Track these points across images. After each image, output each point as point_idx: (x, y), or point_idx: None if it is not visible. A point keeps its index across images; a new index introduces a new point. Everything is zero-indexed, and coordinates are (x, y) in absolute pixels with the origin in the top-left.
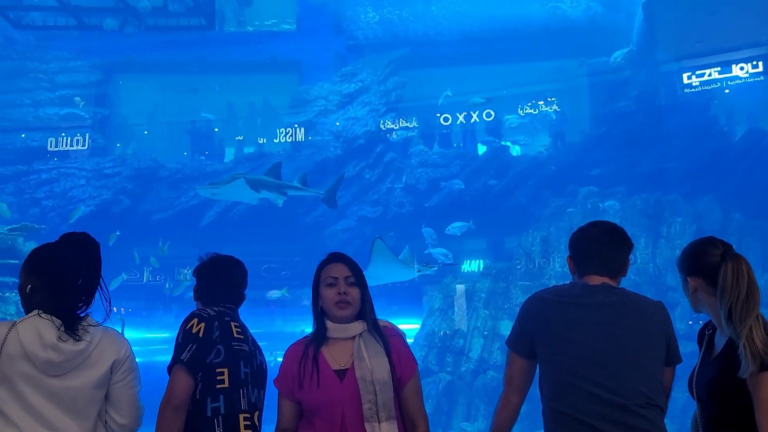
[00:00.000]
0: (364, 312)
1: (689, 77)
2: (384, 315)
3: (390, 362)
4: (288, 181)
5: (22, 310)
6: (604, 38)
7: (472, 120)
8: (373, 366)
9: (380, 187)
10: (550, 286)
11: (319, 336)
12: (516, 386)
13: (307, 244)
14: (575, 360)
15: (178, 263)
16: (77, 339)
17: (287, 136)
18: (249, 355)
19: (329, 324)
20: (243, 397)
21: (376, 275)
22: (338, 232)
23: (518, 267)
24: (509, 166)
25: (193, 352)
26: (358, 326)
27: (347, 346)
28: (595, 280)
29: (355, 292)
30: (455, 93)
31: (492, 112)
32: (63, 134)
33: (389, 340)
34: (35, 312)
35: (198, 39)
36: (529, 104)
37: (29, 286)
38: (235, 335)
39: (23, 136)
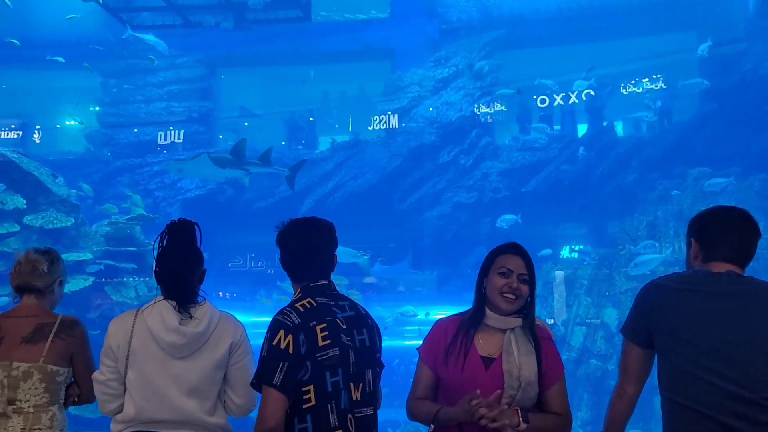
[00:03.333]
0: (526, 309)
1: None
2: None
3: (538, 364)
4: (251, 158)
5: (140, 294)
6: (715, 7)
7: (571, 101)
8: (522, 363)
9: (475, 172)
10: (670, 273)
11: (475, 320)
12: (632, 376)
13: (402, 231)
14: (697, 350)
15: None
16: (192, 317)
17: (381, 123)
18: (340, 356)
19: (488, 311)
20: (332, 412)
21: None
22: (433, 218)
23: (622, 253)
24: (611, 147)
25: (286, 371)
26: (514, 321)
27: (498, 336)
28: (721, 267)
29: (525, 290)
30: (553, 73)
31: (592, 92)
32: (171, 128)
33: (541, 342)
34: (160, 297)
35: (294, 30)
36: (633, 82)
37: (155, 273)
38: (321, 343)
39: (136, 130)
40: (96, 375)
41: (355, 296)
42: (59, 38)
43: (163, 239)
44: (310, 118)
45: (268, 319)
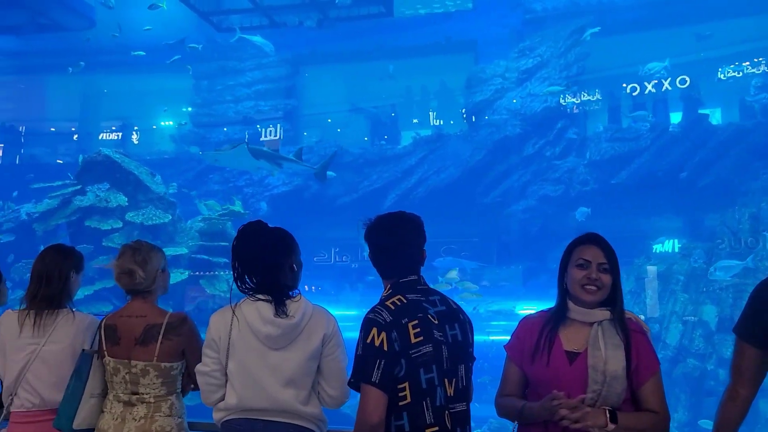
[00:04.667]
0: (613, 300)
1: None
2: None
3: (628, 358)
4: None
5: (234, 287)
6: None
7: (664, 88)
8: (608, 357)
9: (562, 164)
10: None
11: (559, 315)
12: (746, 378)
13: (485, 225)
14: None
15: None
16: (286, 315)
17: (464, 116)
18: (434, 352)
19: (571, 305)
20: (427, 409)
21: None
22: (518, 212)
23: (722, 246)
24: (709, 136)
25: (383, 368)
26: (601, 313)
27: (584, 330)
28: None
29: (606, 279)
30: (644, 60)
31: (687, 79)
32: (258, 126)
33: (631, 335)
34: (251, 294)
35: (376, 26)
36: (732, 66)
37: (238, 271)
38: (414, 340)
39: (225, 129)
40: (199, 367)
41: (473, 291)
42: (154, 43)
43: (243, 247)
44: (392, 114)
45: (354, 312)
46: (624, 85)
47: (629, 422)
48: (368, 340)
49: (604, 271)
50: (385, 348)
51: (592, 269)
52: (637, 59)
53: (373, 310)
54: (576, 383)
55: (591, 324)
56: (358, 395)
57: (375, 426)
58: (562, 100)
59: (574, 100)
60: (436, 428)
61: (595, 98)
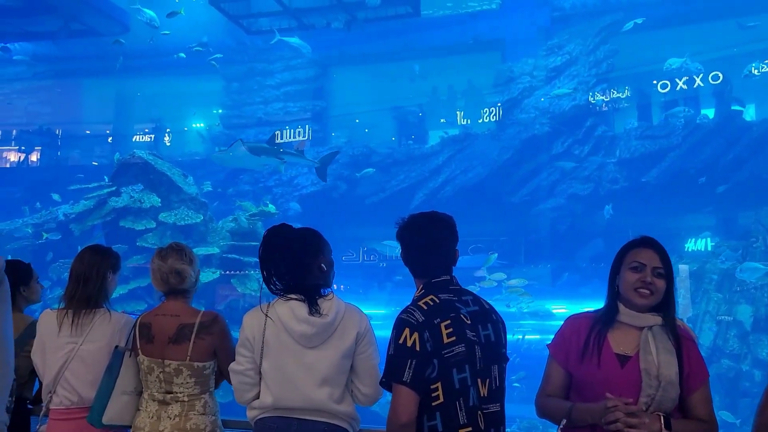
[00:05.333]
0: (666, 306)
1: None
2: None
3: (680, 365)
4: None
5: (264, 286)
6: None
7: (695, 85)
8: (661, 362)
9: (591, 162)
10: None
11: (609, 317)
12: None
13: (513, 224)
14: None
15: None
16: (320, 314)
17: (491, 115)
18: (467, 352)
19: (622, 308)
20: (460, 409)
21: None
22: (546, 210)
23: (756, 245)
24: (742, 132)
25: (415, 368)
26: (652, 318)
27: (634, 333)
28: None
29: (661, 284)
30: (674, 56)
31: (720, 75)
32: (287, 127)
33: (682, 342)
34: (282, 294)
35: (403, 26)
36: (766, 62)
37: (267, 275)
38: (446, 340)
39: (254, 131)
40: (233, 366)
41: (521, 294)
42: (184, 46)
43: (269, 250)
44: (420, 113)
45: (382, 311)
46: (654, 81)
47: (682, 429)
48: (400, 341)
49: (659, 276)
50: (417, 348)
51: (646, 273)
52: (667, 56)
53: (405, 311)
54: (628, 387)
55: (640, 328)
56: (390, 394)
57: (405, 425)
58: (591, 98)
59: (603, 97)
60: (470, 429)
61: (624, 95)
